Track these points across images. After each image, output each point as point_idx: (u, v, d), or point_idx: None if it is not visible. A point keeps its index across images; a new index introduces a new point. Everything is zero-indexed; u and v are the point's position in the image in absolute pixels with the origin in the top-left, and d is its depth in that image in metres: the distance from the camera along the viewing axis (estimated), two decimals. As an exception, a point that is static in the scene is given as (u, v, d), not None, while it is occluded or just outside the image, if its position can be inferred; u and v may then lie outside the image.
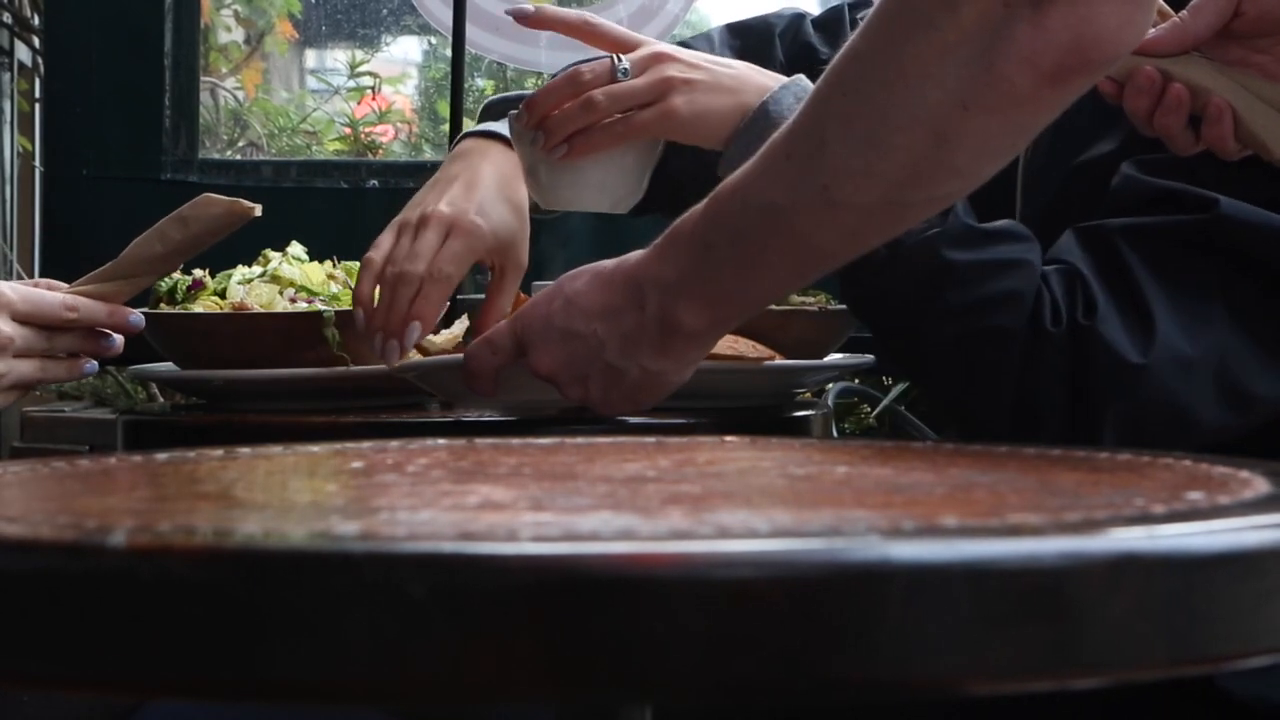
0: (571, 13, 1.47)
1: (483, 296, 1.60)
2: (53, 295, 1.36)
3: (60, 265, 2.77)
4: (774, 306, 1.54)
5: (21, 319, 1.33)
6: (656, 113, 1.34)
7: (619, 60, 1.34)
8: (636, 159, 1.38)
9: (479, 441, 0.95)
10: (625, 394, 1.19)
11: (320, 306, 1.57)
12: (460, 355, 1.31)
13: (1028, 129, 0.98)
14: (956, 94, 0.92)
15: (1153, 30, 1.10)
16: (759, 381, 1.50)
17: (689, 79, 1.34)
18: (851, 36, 0.98)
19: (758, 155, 1.04)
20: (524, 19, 1.46)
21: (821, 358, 1.58)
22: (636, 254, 1.15)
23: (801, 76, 1.36)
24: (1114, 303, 1.18)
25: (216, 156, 3.60)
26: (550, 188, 1.38)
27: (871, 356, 1.65)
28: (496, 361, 1.24)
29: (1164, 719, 1.21)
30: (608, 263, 1.18)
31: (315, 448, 0.96)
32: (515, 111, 1.38)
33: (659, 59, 1.36)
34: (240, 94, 4.02)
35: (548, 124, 1.35)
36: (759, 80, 1.35)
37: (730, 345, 1.46)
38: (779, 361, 1.48)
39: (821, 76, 1.00)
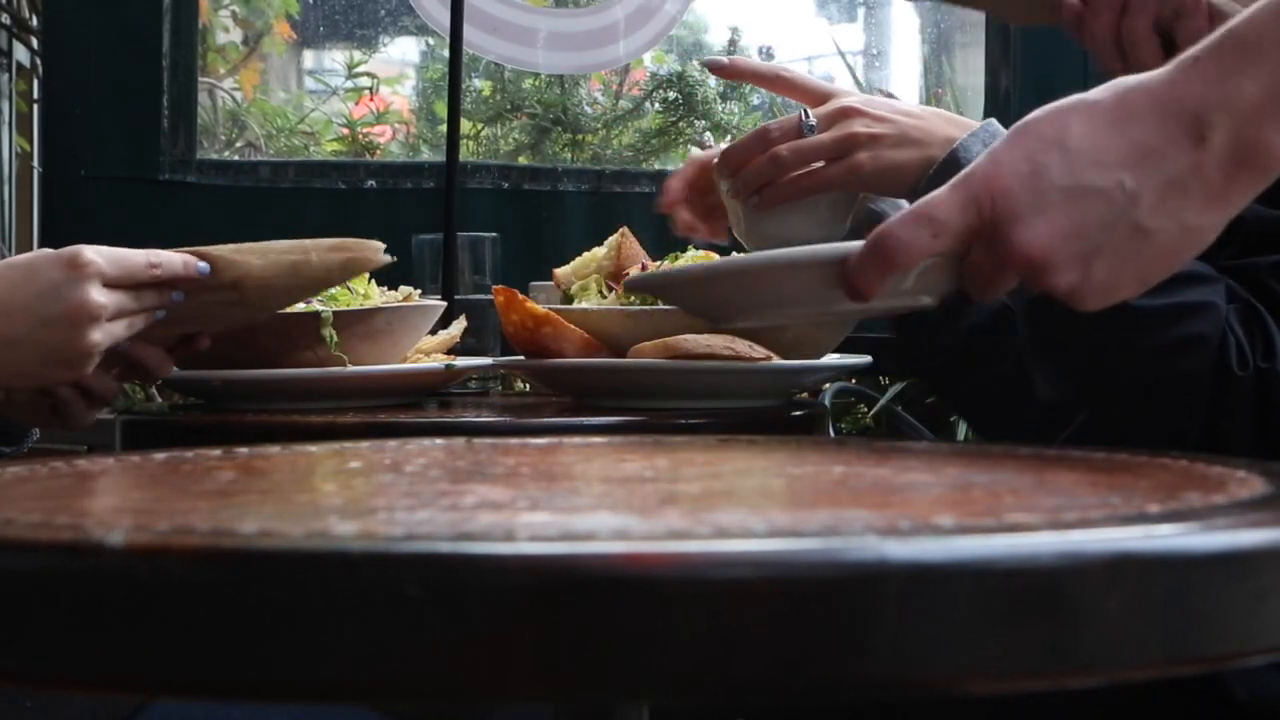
0: (765, 64, 1.52)
1: (482, 297, 1.60)
2: (137, 255, 1.35)
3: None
4: None
5: (112, 284, 1.32)
6: (842, 168, 1.36)
7: (806, 116, 1.38)
8: (831, 206, 1.41)
9: (476, 441, 0.95)
10: (1141, 267, 0.88)
11: (318, 307, 1.57)
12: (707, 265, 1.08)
13: None
14: None
15: None
16: (757, 382, 1.50)
17: (874, 134, 1.36)
18: None
19: None
20: (719, 69, 1.50)
21: (819, 358, 1.58)
22: (1161, 75, 0.87)
23: (992, 121, 1.37)
24: None
25: (214, 157, 3.60)
26: (751, 232, 1.43)
27: (869, 357, 1.65)
28: (937, 246, 0.89)
29: (1164, 719, 1.21)
30: (1105, 94, 0.88)
31: (314, 448, 0.96)
32: (717, 161, 1.45)
33: (845, 114, 1.38)
34: (238, 95, 4.03)
35: (740, 178, 1.41)
36: (946, 131, 1.37)
37: (729, 345, 1.46)
38: (776, 361, 1.49)
39: None
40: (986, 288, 0.91)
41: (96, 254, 1.31)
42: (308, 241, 1.42)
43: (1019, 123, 0.88)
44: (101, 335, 1.31)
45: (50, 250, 1.31)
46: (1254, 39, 0.84)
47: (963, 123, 1.39)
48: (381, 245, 1.46)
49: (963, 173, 0.88)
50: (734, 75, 1.54)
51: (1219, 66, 0.85)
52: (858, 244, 0.90)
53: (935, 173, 1.33)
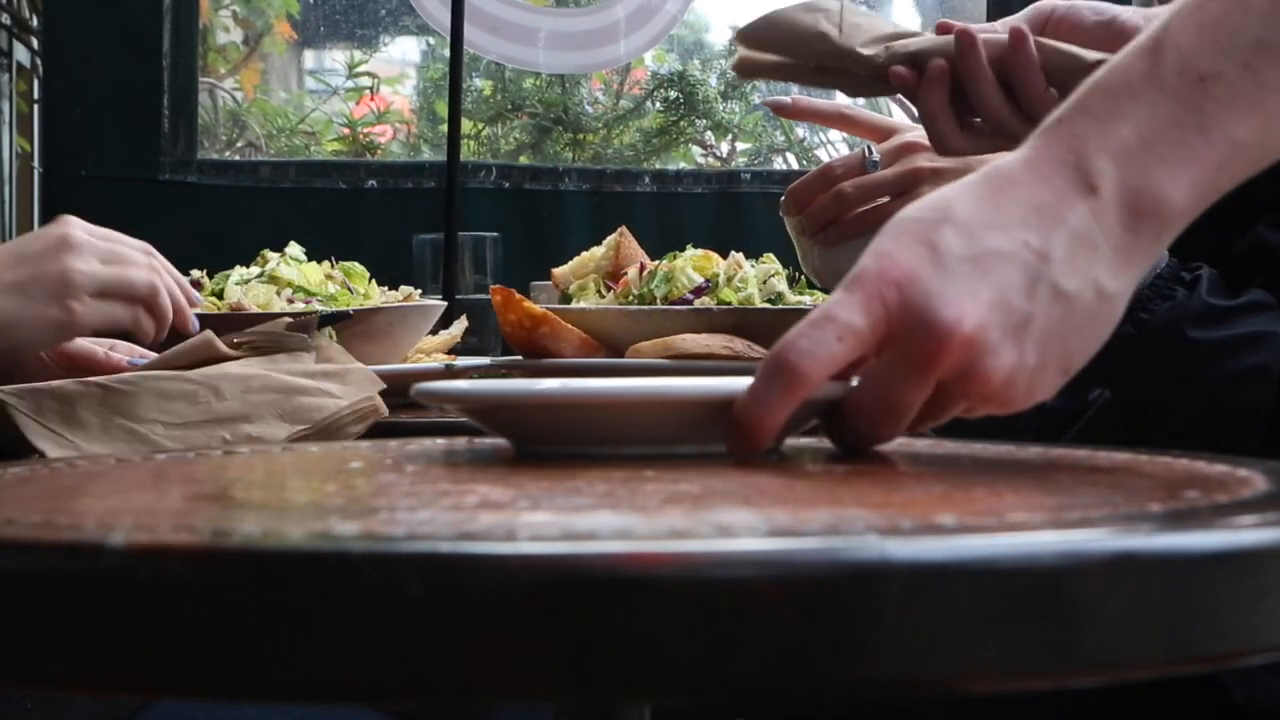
0: (826, 104, 1.55)
1: (483, 297, 1.60)
2: (128, 239, 1.39)
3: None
4: (770, 305, 1.54)
5: (97, 238, 1.35)
6: (905, 203, 1.38)
7: (870, 152, 1.41)
8: None
9: (477, 441, 0.95)
10: (1064, 343, 0.77)
11: (317, 307, 1.57)
12: None
13: None
14: None
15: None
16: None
17: (937, 168, 1.39)
18: None
19: None
20: (781, 109, 1.54)
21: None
22: (1028, 144, 0.80)
23: None
24: None
25: (215, 157, 3.60)
26: (820, 269, 1.45)
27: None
28: (843, 352, 0.76)
29: (1165, 719, 1.21)
30: (974, 176, 0.80)
31: (314, 447, 0.96)
32: (784, 199, 1.48)
33: (909, 149, 1.41)
34: (239, 94, 4.03)
35: (806, 215, 1.43)
36: None
37: (727, 345, 1.46)
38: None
39: None
40: (903, 410, 0.78)
41: (88, 230, 1.35)
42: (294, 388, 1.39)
43: (890, 220, 0.79)
44: (82, 263, 1.31)
45: None
46: (1121, 84, 0.78)
47: None
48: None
49: (849, 275, 0.77)
50: (796, 115, 1.56)
51: (1090, 118, 0.78)
52: (730, 382, 0.80)
53: None
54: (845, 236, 1.41)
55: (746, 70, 1.29)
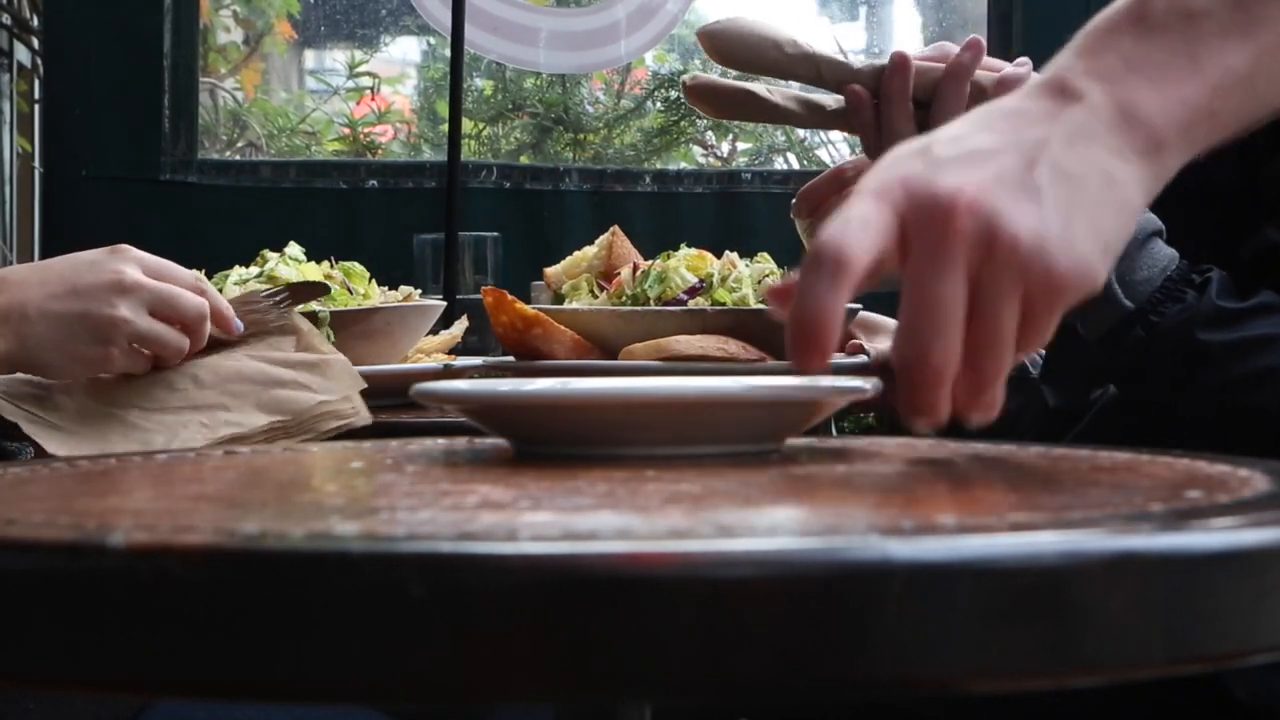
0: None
1: (479, 296, 1.60)
2: (182, 270, 1.37)
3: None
4: (765, 306, 1.54)
5: (152, 274, 1.34)
6: None
7: None
8: None
9: (477, 441, 0.95)
10: (1091, 217, 0.73)
11: (316, 307, 1.57)
12: None
13: None
14: None
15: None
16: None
17: None
18: None
19: None
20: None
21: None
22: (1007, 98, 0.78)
23: None
24: None
25: (215, 157, 3.60)
26: None
27: (865, 357, 1.65)
28: (874, 239, 0.71)
29: (1164, 718, 1.21)
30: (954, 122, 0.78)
31: (315, 448, 0.96)
32: (795, 202, 1.48)
33: None
34: (239, 94, 4.03)
35: (817, 217, 1.43)
36: None
37: (721, 346, 1.46)
38: (771, 363, 1.48)
39: None
40: (948, 314, 0.71)
41: (143, 253, 1.33)
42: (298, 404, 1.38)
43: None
44: (133, 314, 1.31)
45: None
46: (1108, 24, 0.78)
47: None
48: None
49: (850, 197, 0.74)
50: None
51: (1075, 52, 0.77)
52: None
53: None
54: None
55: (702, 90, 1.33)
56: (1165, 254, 1.22)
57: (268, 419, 1.32)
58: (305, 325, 1.43)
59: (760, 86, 1.34)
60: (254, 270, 1.63)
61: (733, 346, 1.46)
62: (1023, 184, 0.72)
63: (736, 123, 3.67)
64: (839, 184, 1.42)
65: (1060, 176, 0.73)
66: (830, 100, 1.37)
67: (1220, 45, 0.76)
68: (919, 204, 0.71)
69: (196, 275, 1.38)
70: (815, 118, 1.36)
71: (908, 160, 0.74)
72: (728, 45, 1.28)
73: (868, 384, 0.84)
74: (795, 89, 1.38)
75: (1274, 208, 1.25)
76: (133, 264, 1.32)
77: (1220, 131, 0.78)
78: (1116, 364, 1.24)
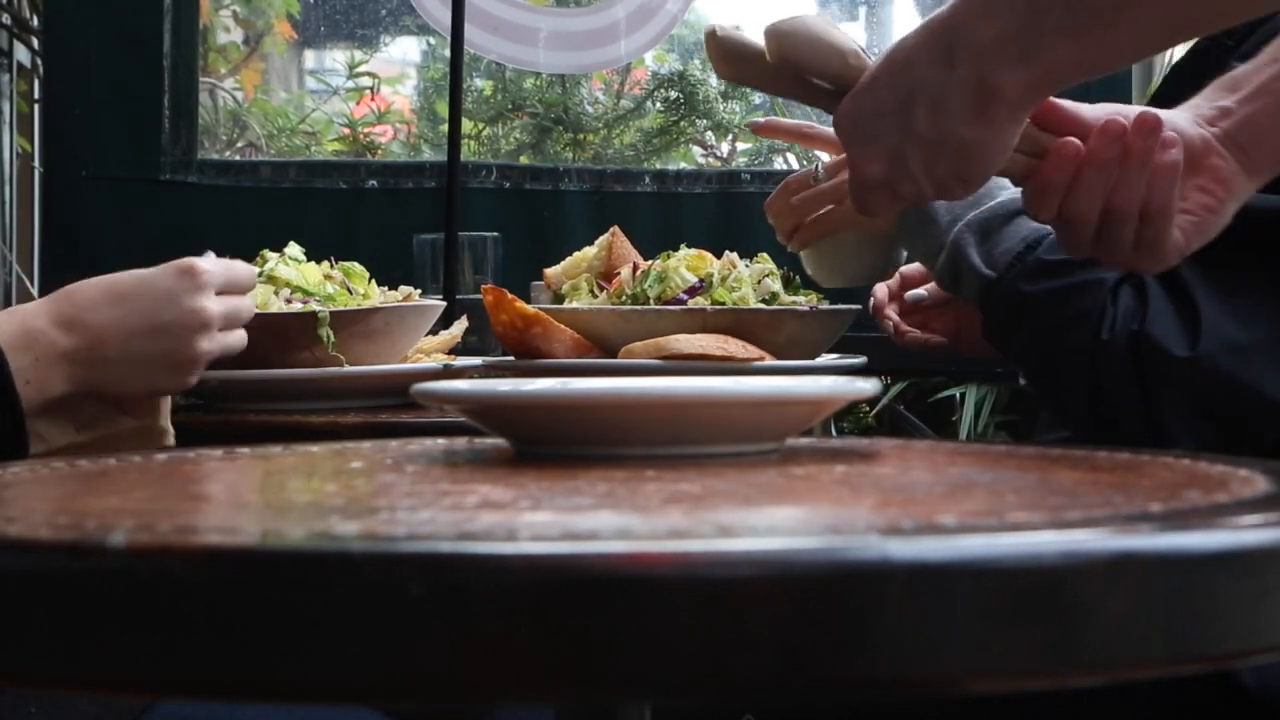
0: (790, 122, 1.76)
1: (479, 296, 1.60)
2: (244, 267, 1.39)
3: (60, 266, 2.77)
4: (764, 306, 1.54)
5: (222, 293, 1.35)
6: (844, 209, 1.55)
7: (816, 169, 1.59)
8: (861, 241, 1.58)
9: (477, 441, 0.95)
10: (950, 170, 1.10)
11: (315, 307, 1.57)
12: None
13: None
14: None
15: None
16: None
17: None
18: None
19: None
20: (757, 129, 1.74)
21: (814, 358, 1.58)
22: (948, 6, 1.07)
23: None
24: (1165, 305, 1.28)
25: (215, 157, 3.60)
26: (811, 269, 1.61)
27: (864, 357, 1.65)
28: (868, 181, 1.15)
29: (1176, 710, 1.22)
30: (920, 26, 1.10)
31: (315, 448, 0.96)
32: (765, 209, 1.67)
33: (845, 163, 1.58)
34: (239, 94, 4.02)
35: (774, 225, 1.62)
36: None
37: (721, 346, 1.46)
38: (770, 362, 1.48)
39: None
40: (865, 202, 1.17)
41: (210, 264, 1.34)
42: None
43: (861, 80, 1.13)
44: (211, 345, 1.33)
45: (163, 265, 1.33)
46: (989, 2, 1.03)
47: None
48: None
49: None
50: (768, 133, 1.78)
51: (973, 11, 1.04)
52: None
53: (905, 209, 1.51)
54: (805, 241, 1.58)
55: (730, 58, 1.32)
56: (1028, 228, 1.38)
57: (69, 439, 1.33)
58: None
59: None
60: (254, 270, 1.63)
61: (732, 346, 1.46)
62: (901, 162, 1.11)
63: (736, 123, 3.67)
64: (786, 195, 1.58)
65: (924, 147, 1.09)
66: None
67: (1054, 40, 1.01)
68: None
69: (250, 271, 1.40)
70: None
71: (849, 105, 1.14)
72: (794, 49, 1.26)
73: (868, 384, 0.84)
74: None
75: None
76: (209, 293, 1.32)
77: (1056, 90, 1.08)
78: (987, 327, 1.41)
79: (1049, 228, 1.33)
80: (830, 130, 1.63)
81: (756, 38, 1.28)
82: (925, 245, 1.45)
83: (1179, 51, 1.51)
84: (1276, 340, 1.27)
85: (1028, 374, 1.45)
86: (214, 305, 1.32)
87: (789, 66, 1.25)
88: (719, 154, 3.82)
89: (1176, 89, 1.33)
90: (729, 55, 1.29)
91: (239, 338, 1.37)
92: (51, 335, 1.26)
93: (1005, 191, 1.44)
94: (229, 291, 1.35)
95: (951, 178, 1.11)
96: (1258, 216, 1.25)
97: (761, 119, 1.75)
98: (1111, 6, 1.00)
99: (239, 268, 1.37)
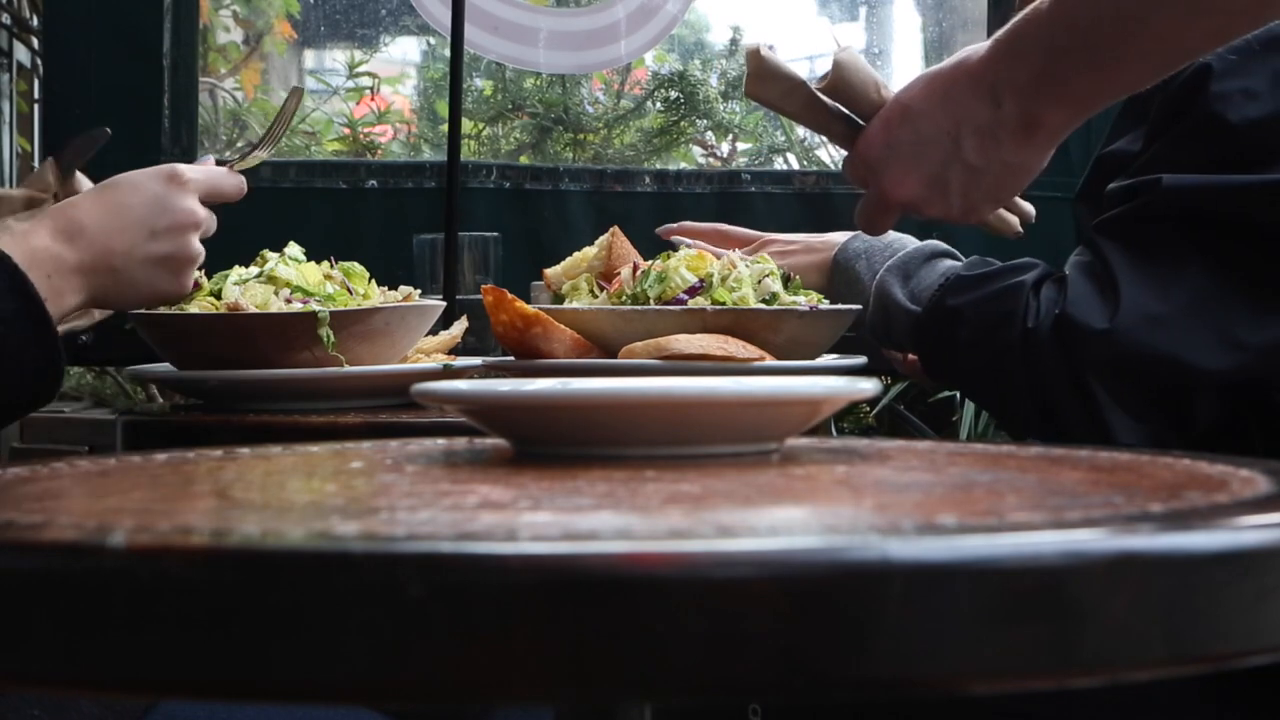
0: (704, 225, 1.87)
1: (479, 296, 1.60)
2: (222, 174, 1.50)
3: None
4: (764, 306, 1.55)
5: (204, 198, 1.45)
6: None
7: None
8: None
9: (477, 441, 0.95)
10: (986, 192, 1.24)
11: (315, 307, 1.57)
12: None
13: None
14: None
15: None
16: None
17: (784, 250, 1.75)
18: None
19: None
20: (667, 234, 1.83)
21: (814, 358, 1.58)
22: (976, 51, 1.20)
23: (858, 234, 1.64)
24: (1085, 285, 1.35)
25: (215, 157, 3.59)
26: None
27: (864, 358, 1.65)
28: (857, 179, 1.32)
29: (1179, 696, 1.24)
30: (941, 66, 1.23)
31: (315, 448, 0.96)
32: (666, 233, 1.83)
33: (764, 244, 1.77)
34: (239, 94, 4.02)
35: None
36: (837, 239, 1.70)
37: (721, 346, 1.46)
38: (770, 363, 1.48)
39: None
40: (876, 223, 1.31)
41: (192, 170, 1.44)
42: None
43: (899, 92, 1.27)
44: (200, 243, 1.43)
45: (145, 169, 1.43)
46: (1032, 33, 1.15)
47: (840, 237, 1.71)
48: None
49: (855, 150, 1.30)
50: (682, 234, 1.87)
51: (1006, 50, 1.18)
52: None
53: (832, 266, 1.67)
54: None
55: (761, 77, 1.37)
56: (944, 267, 1.50)
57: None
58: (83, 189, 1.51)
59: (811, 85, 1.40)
60: (253, 270, 1.63)
61: (732, 346, 1.46)
62: (940, 182, 1.25)
63: (736, 123, 3.67)
64: (719, 237, 1.77)
65: (968, 171, 1.22)
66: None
67: (1076, 77, 1.15)
68: (874, 187, 1.30)
69: (236, 181, 1.52)
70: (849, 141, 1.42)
71: (879, 133, 1.28)
72: (854, 75, 1.34)
73: (868, 384, 0.84)
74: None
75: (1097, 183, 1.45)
76: (194, 196, 1.43)
77: (1089, 114, 1.20)
78: (924, 361, 1.50)
79: (958, 264, 1.49)
80: (743, 230, 1.84)
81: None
82: (853, 301, 1.58)
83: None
84: (1193, 309, 1.31)
85: (969, 390, 1.52)
86: (200, 208, 1.42)
87: (838, 92, 1.33)
88: (719, 154, 3.82)
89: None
90: (765, 75, 1.34)
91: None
92: (57, 250, 1.33)
93: (914, 242, 1.57)
94: (213, 193, 1.46)
95: (984, 198, 1.24)
96: (1177, 190, 1.33)
97: (673, 225, 1.86)
98: (1117, 40, 1.11)
99: (214, 172, 1.47)
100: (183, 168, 1.41)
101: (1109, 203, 1.40)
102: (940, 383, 1.50)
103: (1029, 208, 1.42)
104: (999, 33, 1.18)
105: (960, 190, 1.23)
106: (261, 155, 1.62)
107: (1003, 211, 1.39)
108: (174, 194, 1.40)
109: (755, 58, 1.33)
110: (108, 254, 1.35)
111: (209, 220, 1.44)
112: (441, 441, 0.97)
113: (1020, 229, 1.42)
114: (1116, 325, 1.31)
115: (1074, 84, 1.15)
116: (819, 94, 1.35)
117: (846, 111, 1.36)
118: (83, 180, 1.60)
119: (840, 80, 1.31)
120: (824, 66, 1.38)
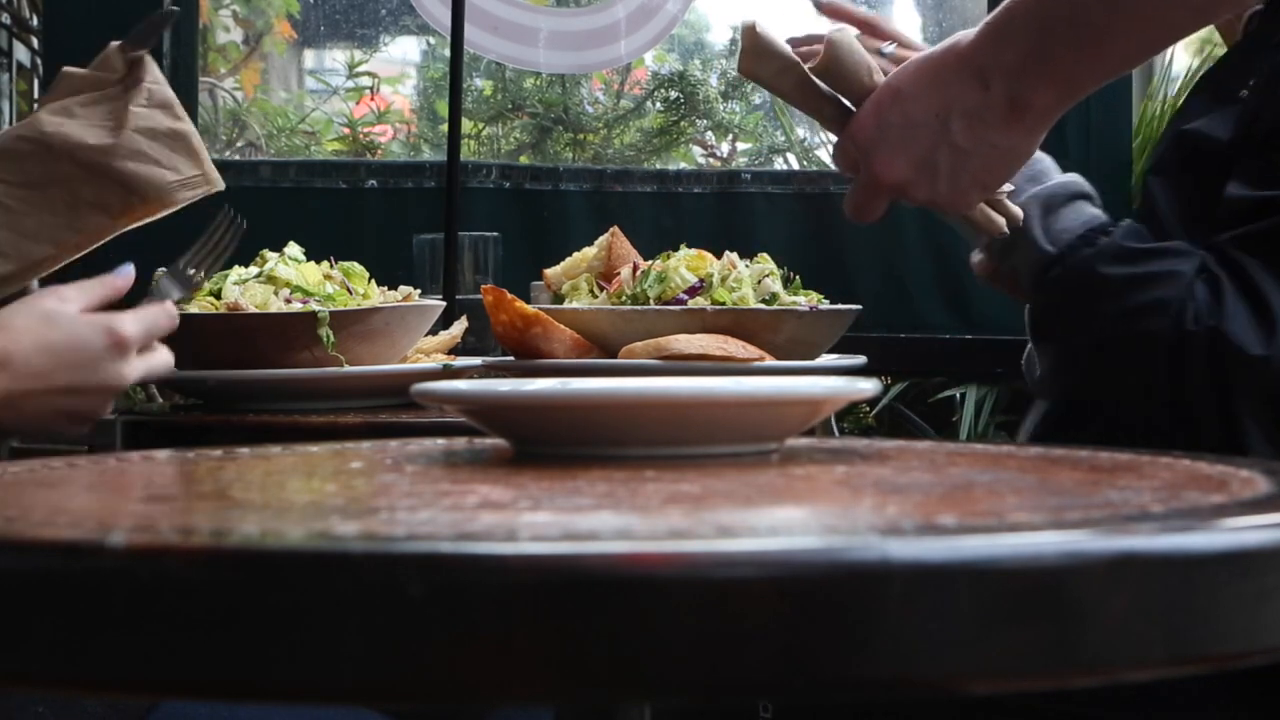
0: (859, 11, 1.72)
1: (479, 296, 1.60)
2: (161, 314, 1.43)
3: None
4: (764, 306, 1.55)
5: (141, 350, 1.40)
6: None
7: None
8: None
9: (477, 441, 0.95)
10: (974, 177, 1.23)
11: (315, 307, 1.57)
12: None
13: None
14: None
15: None
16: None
17: None
18: None
19: None
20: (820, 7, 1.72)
21: (813, 358, 1.58)
22: (966, 35, 1.20)
23: None
24: (1239, 303, 1.31)
25: (215, 157, 3.59)
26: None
27: (864, 357, 1.65)
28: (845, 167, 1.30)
29: (1183, 691, 1.24)
30: (933, 50, 1.23)
31: (315, 448, 0.96)
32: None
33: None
34: (239, 94, 4.03)
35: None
36: None
37: (721, 346, 1.46)
38: (770, 363, 1.48)
39: None
40: (866, 208, 1.29)
41: (135, 323, 1.38)
42: None
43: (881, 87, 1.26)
44: (130, 371, 1.38)
45: (93, 316, 1.37)
46: (1020, 14, 1.16)
47: None
48: None
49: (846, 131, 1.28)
50: (832, 14, 1.73)
51: (993, 33, 1.18)
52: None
53: None
54: None
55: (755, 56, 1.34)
56: (1089, 213, 1.44)
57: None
58: (153, 76, 1.54)
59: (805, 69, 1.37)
60: (253, 270, 1.63)
61: (732, 346, 1.46)
62: (929, 165, 1.23)
63: (736, 123, 3.67)
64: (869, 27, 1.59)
65: (956, 153, 1.22)
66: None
67: (1067, 56, 1.16)
68: (864, 170, 1.27)
69: (170, 315, 1.43)
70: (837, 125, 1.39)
71: (870, 116, 1.26)
72: (848, 56, 1.31)
73: (868, 384, 0.84)
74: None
75: (1227, 161, 1.39)
76: (130, 359, 1.37)
77: (1076, 99, 1.20)
78: (1042, 306, 1.44)
79: (1106, 216, 1.42)
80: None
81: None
82: None
83: (1179, 51, 1.57)
84: None
85: (1078, 358, 1.43)
86: (132, 371, 1.37)
87: (830, 74, 1.31)
88: (719, 154, 3.82)
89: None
90: (760, 52, 1.31)
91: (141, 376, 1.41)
92: None
93: (1060, 174, 1.48)
94: (148, 343, 1.40)
95: (972, 183, 1.23)
96: None
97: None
98: (1101, 21, 1.13)
99: (156, 320, 1.41)
100: (128, 329, 1.37)
101: (1231, 210, 1.35)
102: (1043, 331, 1.45)
103: (1017, 211, 1.38)
104: (989, 16, 1.19)
105: (948, 173, 1.22)
106: (199, 277, 1.55)
107: (990, 211, 1.36)
108: (108, 359, 1.36)
109: (751, 34, 1.32)
110: (22, 395, 1.33)
111: (141, 377, 1.41)
112: (441, 441, 0.97)
113: (1006, 230, 1.38)
114: (1274, 353, 1.28)
115: (1062, 64, 1.16)
116: (812, 76, 1.34)
117: (839, 96, 1.35)
118: (151, 65, 1.58)
119: (833, 61, 1.30)
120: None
